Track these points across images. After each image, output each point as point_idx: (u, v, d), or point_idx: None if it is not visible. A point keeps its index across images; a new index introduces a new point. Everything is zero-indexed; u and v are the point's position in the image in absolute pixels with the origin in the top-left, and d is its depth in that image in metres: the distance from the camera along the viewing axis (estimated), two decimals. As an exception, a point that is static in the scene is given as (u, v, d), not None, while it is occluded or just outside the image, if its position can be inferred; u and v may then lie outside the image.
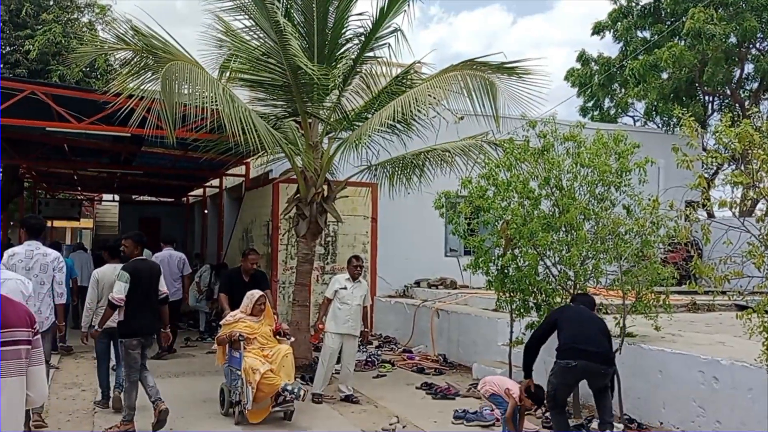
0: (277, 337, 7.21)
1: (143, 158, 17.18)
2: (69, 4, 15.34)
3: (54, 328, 6.58)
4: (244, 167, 16.90)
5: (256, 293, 7.21)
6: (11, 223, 24.41)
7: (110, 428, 6.36)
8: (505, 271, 7.60)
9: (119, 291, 6.25)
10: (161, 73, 7.25)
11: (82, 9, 15.70)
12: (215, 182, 20.59)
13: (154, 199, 29.64)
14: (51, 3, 14.99)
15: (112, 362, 7.40)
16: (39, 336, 2.92)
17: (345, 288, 8.08)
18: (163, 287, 6.61)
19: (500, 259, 7.54)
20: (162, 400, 6.39)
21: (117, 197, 30.58)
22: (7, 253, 6.32)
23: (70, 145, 15.58)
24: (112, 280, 6.65)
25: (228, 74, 9.53)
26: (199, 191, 24.28)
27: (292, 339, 7.48)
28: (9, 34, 14.34)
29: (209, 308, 13.32)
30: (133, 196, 30.31)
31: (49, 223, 28.43)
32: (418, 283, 13.08)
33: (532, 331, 6.63)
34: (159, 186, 23.35)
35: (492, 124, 8.51)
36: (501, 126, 8.28)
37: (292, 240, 12.01)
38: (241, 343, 6.77)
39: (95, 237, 33.19)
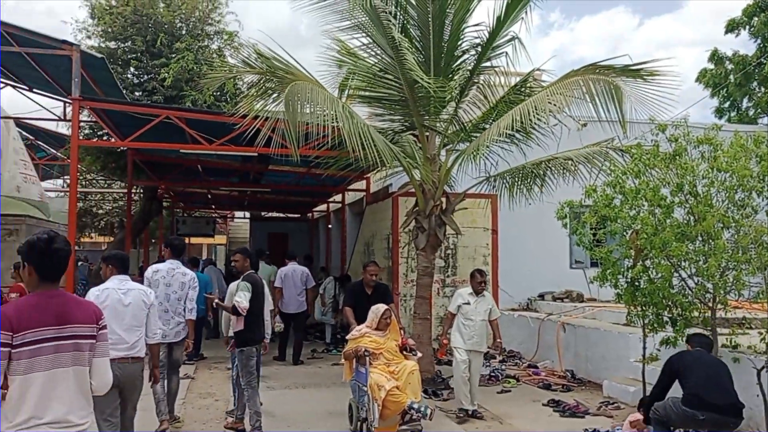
0: (404, 352, 6.99)
1: (270, 176, 17.93)
2: (200, 32, 16.27)
3: (186, 340, 7.08)
4: (364, 182, 17.22)
5: (382, 307, 7.06)
6: (152, 240, 26.23)
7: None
8: (636, 283, 7.18)
9: (244, 300, 6.60)
10: (284, 94, 7.51)
11: (212, 36, 16.60)
12: (338, 197, 21.10)
13: (281, 215, 30.84)
14: (183, 32, 15.96)
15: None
16: (105, 331, 3.27)
17: (468, 303, 7.88)
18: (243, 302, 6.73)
19: (630, 270, 7.13)
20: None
21: (247, 214, 32.11)
22: (151, 269, 7.09)
23: (203, 165, 16.52)
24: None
25: (347, 92, 9.73)
26: (323, 207, 24.99)
27: (419, 355, 7.26)
28: (146, 63, 15.41)
29: (335, 320, 13.62)
30: (263, 213, 31.70)
31: (186, 240, 30.35)
32: (542, 296, 12.69)
33: (654, 384, 6.15)
34: (286, 202, 24.27)
35: (617, 130, 8.11)
36: (627, 131, 7.86)
37: (412, 253, 12.04)
38: (367, 358, 6.60)
39: (228, 252, 34.95)
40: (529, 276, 12.70)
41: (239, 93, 14.98)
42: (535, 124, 8.87)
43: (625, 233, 7.23)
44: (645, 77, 7.92)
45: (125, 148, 16.02)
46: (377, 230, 13.67)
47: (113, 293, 5.26)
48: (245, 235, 33.23)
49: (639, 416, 6.32)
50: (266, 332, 7.27)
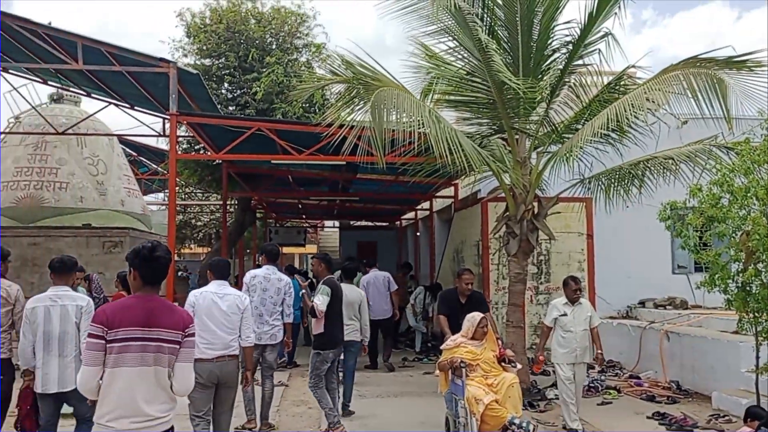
0: (502, 363, 6.62)
1: (358, 185, 18.07)
2: (289, 46, 16.64)
3: (283, 343, 7.37)
4: (452, 189, 17.04)
5: (477, 316, 6.73)
6: (247, 250, 26.99)
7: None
8: (748, 288, 6.69)
9: (322, 303, 6.75)
10: (371, 101, 7.50)
11: (300, 50, 16.94)
12: (425, 205, 21.01)
13: (370, 223, 31.06)
14: (273, 47, 16.37)
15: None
16: (191, 339, 3.48)
17: (565, 314, 7.39)
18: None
19: (741, 274, 6.65)
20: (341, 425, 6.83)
21: (337, 223, 32.54)
22: (249, 274, 7.36)
23: (294, 176, 16.84)
24: (347, 299, 7.76)
25: (431, 96, 9.64)
26: (410, 214, 24.97)
27: (519, 366, 6.89)
28: (239, 78, 15.90)
29: (426, 328, 13.54)
30: (351, 222, 32.04)
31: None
32: (642, 303, 12.10)
33: None
34: (374, 211, 24.40)
35: (722, 126, 7.62)
36: (733, 127, 7.37)
37: (503, 260, 11.77)
38: (463, 370, 6.27)
39: (319, 261, 35.49)
40: (628, 282, 12.14)
41: (327, 104, 15.21)
42: (632, 122, 8.46)
43: (734, 235, 6.75)
44: (752, 68, 7.40)
45: (220, 162, 16.59)
46: (466, 237, 13.48)
47: (210, 296, 5.63)
48: (335, 244, 33.69)
49: (749, 430, 5.85)
50: (363, 336, 7.85)
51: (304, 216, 29.84)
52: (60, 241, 17.56)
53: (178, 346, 3.40)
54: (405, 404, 8.57)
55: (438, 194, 18.27)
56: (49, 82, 17.10)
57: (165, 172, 24.19)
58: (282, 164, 14.41)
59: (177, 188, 32.95)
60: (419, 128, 7.94)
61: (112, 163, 20.16)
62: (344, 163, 12.58)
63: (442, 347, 6.90)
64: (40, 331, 5.14)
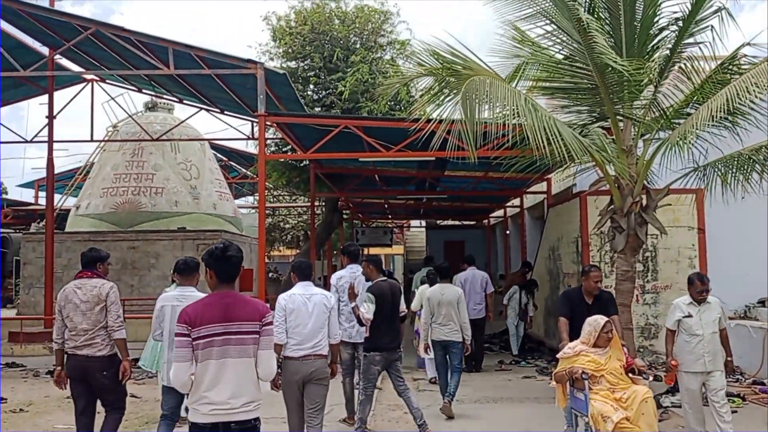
0: (630, 375, 5.87)
1: (446, 182, 17.67)
2: (373, 44, 16.46)
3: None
4: (545, 184, 16.37)
5: (601, 319, 5.96)
6: (335, 252, 27.08)
7: None
8: None
9: (368, 311, 6.60)
10: (461, 90, 7.11)
11: (385, 47, 16.73)
12: (516, 201, 20.35)
13: (457, 222, 30.57)
14: (357, 45, 16.22)
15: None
16: (269, 327, 3.70)
17: (689, 316, 6.46)
18: (402, 306, 6.87)
19: None
20: (427, 425, 6.70)
21: (423, 223, 32.21)
22: (335, 275, 7.53)
23: (380, 175, 16.63)
24: (439, 299, 8.02)
25: (521, 82, 9.10)
26: (499, 212, 24.32)
27: (651, 378, 6.21)
28: (324, 79, 15.86)
29: (524, 329, 12.95)
30: (438, 221, 31.64)
31: (366, 250, 31.07)
32: (762, 303, 11.10)
33: None
34: (462, 209, 23.91)
35: None
36: None
37: (605, 257, 11.08)
38: (585, 382, 5.59)
39: (406, 261, 35.29)
40: (745, 280, 11.15)
41: (413, 101, 14.92)
42: (754, 103, 7.66)
43: None
44: None
45: (307, 163, 16.62)
46: (563, 233, 12.81)
47: (298, 298, 5.71)
48: (421, 244, 33.34)
49: None
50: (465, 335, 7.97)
51: (390, 216, 29.69)
52: (157, 245, 18.07)
53: (257, 336, 3.63)
54: (506, 411, 8.10)
55: (529, 190, 17.62)
56: (143, 91, 17.64)
57: (254, 175, 24.57)
58: (369, 162, 14.21)
59: (266, 191, 33.72)
60: (514, 118, 7.47)
61: (204, 168, 20.61)
62: (433, 159, 12.23)
63: (558, 355, 6.18)
64: (167, 329, 5.56)
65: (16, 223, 23.49)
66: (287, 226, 35.47)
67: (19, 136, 16.67)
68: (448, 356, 8.11)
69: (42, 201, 25.15)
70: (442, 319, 8.08)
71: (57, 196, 22.59)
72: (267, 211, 39.56)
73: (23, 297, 18.07)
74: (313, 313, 5.65)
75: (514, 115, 7.39)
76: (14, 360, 12.42)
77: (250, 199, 33.14)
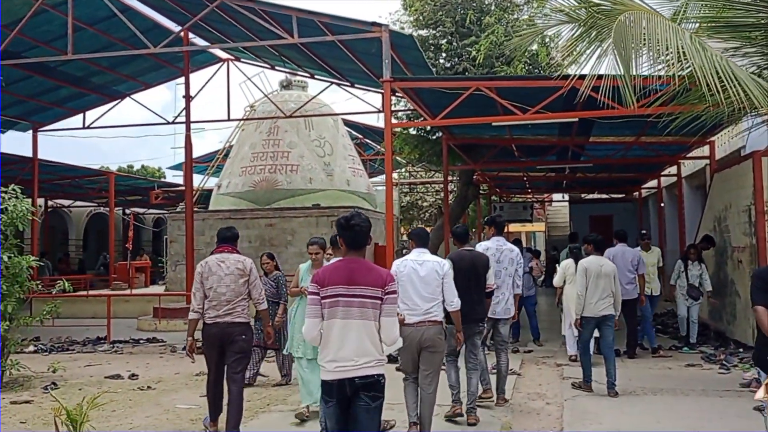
0: None
1: (591, 150, 16.23)
2: (508, 4, 15.35)
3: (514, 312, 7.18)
4: (706, 148, 14.54)
5: None
6: (473, 229, 26.22)
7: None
8: None
9: None
10: (612, 30, 6.03)
11: (521, 7, 15.56)
12: (672, 170, 18.43)
13: (604, 195, 28.61)
14: (492, 7, 15.17)
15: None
16: (392, 295, 3.84)
17: None
18: (490, 280, 6.53)
19: None
20: (475, 411, 6.27)
21: (566, 197, 30.48)
22: (480, 246, 7.15)
23: (518, 144, 15.54)
24: (597, 271, 7.47)
25: (682, 24, 7.75)
26: (653, 183, 22.29)
27: None
28: (456, 45, 15.01)
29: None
30: (582, 195, 29.80)
31: (507, 227, 29.93)
32: None
33: None
34: (609, 180, 22.15)
35: None
36: None
37: (786, 227, 9.45)
38: None
39: (548, 238, 33.71)
40: None
41: (552, 63, 13.71)
42: None
43: None
44: None
45: (440, 135, 15.88)
46: (732, 201, 11.16)
47: (411, 263, 5.71)
48: (564, 220, 31.60)
49: None
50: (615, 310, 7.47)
51: (529, 190, 28.32)
52: (293, 222, 18.16)
53: (379, 302, 3.81)
54: (666, 405, 6.95)
55: (689, 156, 15.80)
56: (276, 68, 17.66)
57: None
58: (504, 130, 13.25)
59: (401, 169, 33.38)
60: (678, 62, 6.27)
61: (337, 144, 20.46)
62: (575, 120, 11.02)
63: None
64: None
65: (167, 204, 24.70)
66: (425, 204, 35.06)
67: (161, 117, 17.21)
68: (600, 331, 7.57)
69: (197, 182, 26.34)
70: (600, 293, 7.44)
71: (200, 177, 23.58)
72: (404, 189, 39.57)
73: (170, 274, 18.87)
74: (424, 279, 5.63)
75: (677, 58, 6.21)
76: (155, 335, 12.79)
77: (385, 176, 32.96)
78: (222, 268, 5.87)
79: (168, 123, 17.10)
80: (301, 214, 18.18)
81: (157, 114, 16.98)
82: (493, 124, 10.86)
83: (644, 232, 9.77)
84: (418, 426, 5.56)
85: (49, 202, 26.90)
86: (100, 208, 28.97)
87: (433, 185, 33.03)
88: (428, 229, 14.87)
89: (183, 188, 21.38)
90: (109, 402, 7.33)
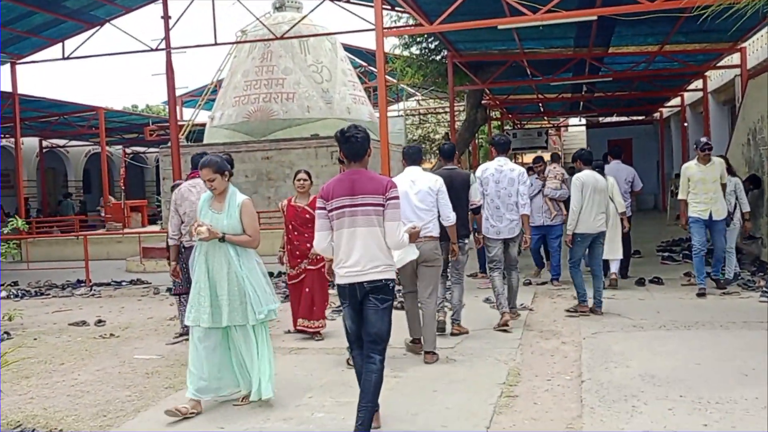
0: None
1: (611, 63, 14.85)
2: None
3: (521, 236, 6.91)
4: (737, 56, 13.14)
5: None
6: (481, 156, 25.02)
7: None
8: None
9: None
10: None
11: None
12: (697, 84, 17.02)
13: (622, 119, 27.18)
14: None
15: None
16: (394, 201, 3.98)
17: None
18: (473, 197, 6.43)
19: None
20: (459, 321, 6.46)
21: (583, 120, 29.03)
22: (480, 168, 7.15)
23: (530, 60, 14.21)
24: (594, 185, 7.13)
25: None
26: (675, 101, 20.85)
27: None
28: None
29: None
30: (600, 119, 28.37)
31: (520, 157, 28.64)
32: None
33: None
34: (628, 100, 20.71)
35: None
36: None
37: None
38: None
39: (564, 166, 32.39)
40: None
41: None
42: None
43: None
44: None
45: (444, 54, 14.59)
46: (770, 110, 9.89)
47: (405, 181, 5.71)
48: (581, 145, 30.22)
49: None
50: None
51: (544, 116, 26.92)
52: (291, 154, 17.08)
53: (382, 208, 3.94)
54: (703, 340, 5.93)
55: (717, 65, 14.38)
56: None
57: (393, 80, 22.85)
58: (513, 38, 11.98)
59: (410, 99, 31.90)
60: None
61: (336, 69, 19.12)
62: (594, 21, 9.70)
63: None
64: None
65: (164, 141, 23.67)
66: (437, 137, 33.75)
67: (143, 43, 15.90)
68: (591, 250, 7.30)
69: (188, 117, 25.20)
70: (597, 209, 7.15)
71: (191, 110, 22.43)
72: (414, 122, 38.19)
73: (165, 212, 17.97)
74: (418, 196, 5.72)
75: None
76: (142, 277, 11.95)
77: (393, 107, 31.45)
78: (193, 193, 6.07)
79: (151, 50, 15.82)
80: (298, 146, 17.06)
81: (138, 40, 15.68)
82: (499, 27, 9.53)
83: (706, 141, 7.94)
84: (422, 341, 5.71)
85: (44, 143, 25.99)
86: (99, 147, 28.02)
87: (446, 117, 31.60)
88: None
89: (181, 123, 20.33)
90: (62, 352, 6.47)
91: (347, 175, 4.00)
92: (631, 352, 5.57)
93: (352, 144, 3.95)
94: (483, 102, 17.58)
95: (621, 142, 23.67)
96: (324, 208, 4.00)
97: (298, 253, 6.54)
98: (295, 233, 6.54)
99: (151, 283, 11.16)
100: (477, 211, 6.56)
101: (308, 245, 6.24)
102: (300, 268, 6.55)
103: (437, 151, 8.90)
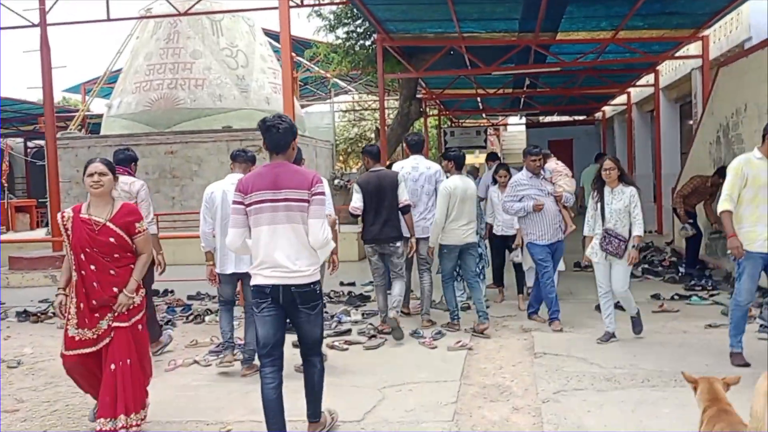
0: None
1: (558, 53, 13.35)
2: None
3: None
4: (698, 45, 11.81)
5: None
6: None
7: None
8: None
9: (355, 201, 6.38)
10: None
11: None
12: (647, 79, 15.79)
13: (564, 118, 26.08)
14: None
15: None
16: (319, 197, 3.67)
17: None
18: (402, 196, 6.31)
19: None
20: (398, 311, 6.26)
21: (523, 120, 27.80)
22: (395, 166, 7.01)
23: (469, 46, 12.54)
24: (462, 194, 6.46)
25: None
26: (620, 100, 19.70)
27: None
28: None
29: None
30: (540, 118, 27.20)
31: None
32: None
33: None
34: (571, 97, 19.39)
35: None
36: None
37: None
38: None
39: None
40: None
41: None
42: None
43: None
44: None
45: (374, 39, 12.81)
46: (747, 101, 8.46)
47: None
48: (521, 146, 29.02)
49: None
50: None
51: (483, 113, 25.51)
52: (199, 148, 14.97)
53: (306, 204, 3.64)
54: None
55: (675, 55, 13.05)
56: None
57: (321, 71, 20.94)
58: (451, 20, 10.25)
59: (342, 95, 30.07)
60: None
61: (254, 55, 17.04)
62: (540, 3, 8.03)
63: None
64: (218, 215, 5.31)
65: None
66: (373, 135, 32.14)
67: (26, 19, 13.49)
68: (463, 262, 6.61)
69: (94, 107, 22.59)
70: (465, 218, 6.48)
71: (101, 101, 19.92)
72: (352, 120, 36.38)
73: (50, 214, 15.52)
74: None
75: None
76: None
77: (325, 106, 29.50)
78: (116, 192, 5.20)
79: (32, 26, 13.42)
80: (208, 139, 14.96)
81: (12, 10, 13.25)
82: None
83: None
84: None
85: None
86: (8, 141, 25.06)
87: (369, 109, 29.92)
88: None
89: (74, 111, 17.94)
90: None
91: (269, 169, 3.73)
92: (613, 424, 3.83)
93: (274, 134, 3.69)
94: (418, 95, 15.87)
95: (562, 142, 22.62)
96: (241, 203, 3.69)
97: (94, 303, 3.93)
98: (91, 268, 3.93)
99: (4, 303, 8.93)
100: (407, 210, 6.36)
101: (114, 289, 3.94)
102: (99, 330, 3.93)
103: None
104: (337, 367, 5.17)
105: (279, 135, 3.66)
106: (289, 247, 3.60)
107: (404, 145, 7.26)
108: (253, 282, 3.66)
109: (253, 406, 4.41)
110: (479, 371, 5.15)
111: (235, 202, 3.69)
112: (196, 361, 5.61)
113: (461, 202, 6.35)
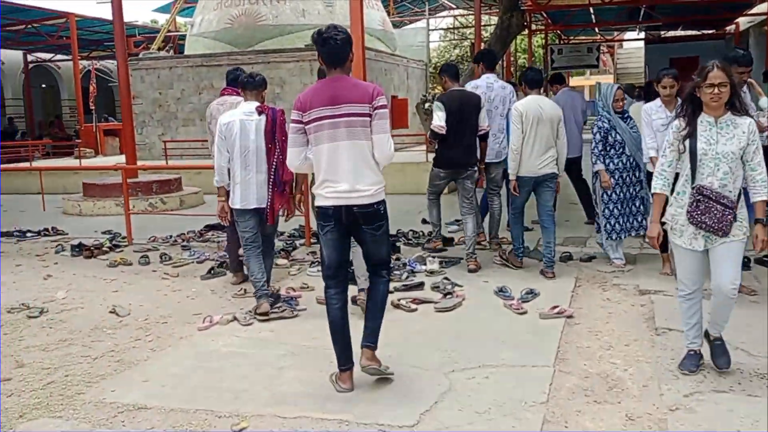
0: None
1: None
2: None
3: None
4: None
5: None
6: (517, 72, 21.49)
7: None
8: None
9: (439, 119, 5.85)
10: None
11: None
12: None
13: (689, 32, 23.19)
14: None
15: None
16: (382, 111, 3.45)
17: None
18: (483, 122, 5.98)
19: None
20: (474, 256, 5.93)
21: (641, 35, 25.03)
22: (469, 84, 6.48)
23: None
24: (537, 115, 5.64)
25: None
26: (761, 7, 16.98)
27: None
28: None
29: None
30: (661, 33, 24.36)
31: (567, 76, 24.95)
32: None
33: None
34: (700, 6, 16.86)
35: None
36: None
37: None
38: None
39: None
40: None
41: None
42: None
43: None
44: None
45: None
46: None
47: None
48: (638, 66, 26.30)
49: None
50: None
51: (596, 28, 23.09)
52: (281, 69, 14.07)
53: (368, 119, 3.45)
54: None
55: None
56: None
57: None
58: None
59: (444, 10, 28.06)
60: None
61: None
62: None
63: None
64: (237, 146, 4.96)
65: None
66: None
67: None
68: (538, 197, 5.84)
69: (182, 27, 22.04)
70: (540, 146, 5.66)
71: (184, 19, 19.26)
72: (453, 41, 34.40)
73: (136, 137, 15.19)
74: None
75: None
76: (67, 222, 9.31)
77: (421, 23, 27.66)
78: (221, 111, 5.50)
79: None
80: (290, 58, 14.01)
81: None
82: None
83: None
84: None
85: (30, 57, 23.31)
86: (97, 63, 25.13)
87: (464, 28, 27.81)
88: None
89: (158, 30, 17.44)
90: None
91: (327, 83, 3.49)
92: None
93: (332, 46, 3.42)
94: (521, 6, 14.09)
95: (686, 60, 20.02)
96: (300, 121, 3.47)
97: None
98: None
99: (67, 234, 8.49)
100: (485, 137, 6.15)
101: None
102: None
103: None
104: (396, 336, 4.14)
105: (337, 47, 3.42)
106: (351, 165, 3.44)
107: (476, 62, 6.89)
108: (317, 203, 3.55)
109: (282, 391, 3.49)
110: (580, 351, 3.96)
111: (293, 121, 3.52)
112: (235, 318, 4.74)
113: (536, 125, 5.60)
